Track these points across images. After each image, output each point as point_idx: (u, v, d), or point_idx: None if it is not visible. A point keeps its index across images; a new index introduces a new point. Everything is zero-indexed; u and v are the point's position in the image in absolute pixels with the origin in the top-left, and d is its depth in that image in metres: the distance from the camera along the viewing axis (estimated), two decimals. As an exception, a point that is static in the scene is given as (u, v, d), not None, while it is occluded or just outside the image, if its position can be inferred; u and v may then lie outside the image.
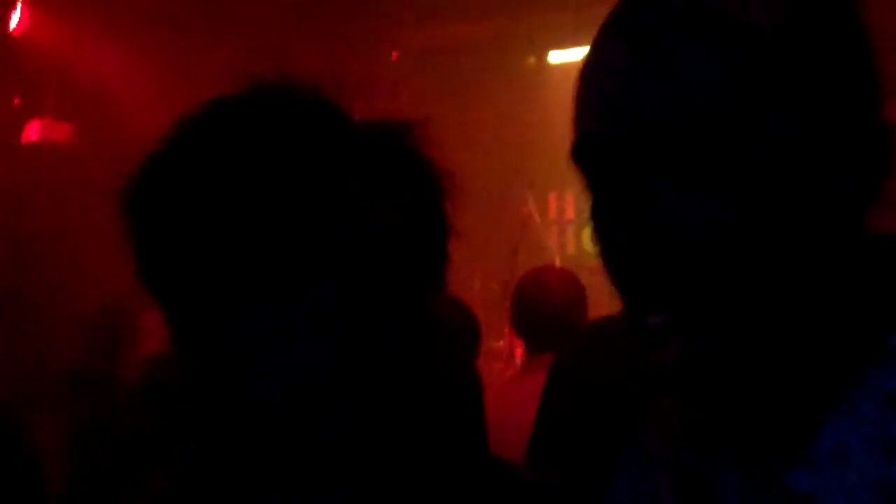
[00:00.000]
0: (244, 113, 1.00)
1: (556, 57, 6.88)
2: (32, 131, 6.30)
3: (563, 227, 7.15)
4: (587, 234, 0.86)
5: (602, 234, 0.82)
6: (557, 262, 6.21)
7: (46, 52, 6.16)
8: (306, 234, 0.93)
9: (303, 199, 0.94)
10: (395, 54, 7.20)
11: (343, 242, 0.94)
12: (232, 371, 0.95)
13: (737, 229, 0.76)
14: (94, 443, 2.36)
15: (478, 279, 6.16)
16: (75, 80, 6.37)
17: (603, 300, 0.87)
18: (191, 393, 1.03)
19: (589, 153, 0.82)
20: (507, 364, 5.07)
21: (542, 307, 3.13)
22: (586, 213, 0.86)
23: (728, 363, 0.80)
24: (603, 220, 0.82)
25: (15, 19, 5.96)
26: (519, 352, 3.35)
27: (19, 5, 5.95)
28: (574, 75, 0.84)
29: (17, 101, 6.31)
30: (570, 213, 7.24)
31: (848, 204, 0.80)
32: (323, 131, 0.98)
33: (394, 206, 0.98)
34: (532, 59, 7.14)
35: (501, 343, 5.38)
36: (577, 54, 6.00)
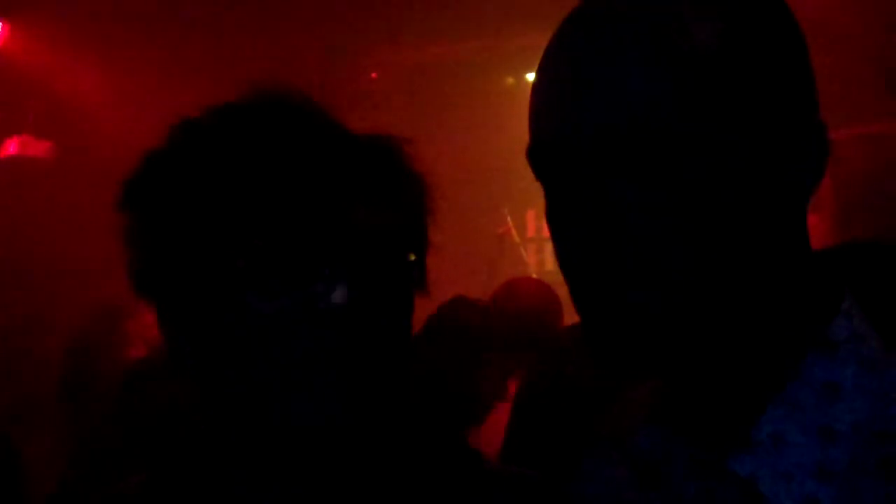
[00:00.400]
0: (247, 115, 1.02)
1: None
2: (11, 147, 6.28)
3: (541, 244, 7.18)
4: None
5: (561, 237, 0.87)
6: (531, 275, 6.25)
7: (26, 68, 6.15)
8: (307, 229, 0.96)
9: (304, 195, 0.96)
10: (374, 73, 7.22)
11: (338, 237, 0.96)
12: (231, 360, 0.97)
13: (688, 232, 0.80)
14: (82, 446, 2.37)
15: (461, 291, 6.15)
16: (55, 96, 6.36)
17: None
18: (177, 394, 1.05)
19: (543, 156, 0.87)
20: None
21: (510, 314, 3.17)
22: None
23: (680, 354, 0.85)
24: (561, 223, 0.87)
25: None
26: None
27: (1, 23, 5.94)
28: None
29: (-4, 117, 6.29)
30: (547, 231, 7.25)
31: (791, 198, 0.85)
32: (323, 134, 1.01)
33: (384, 207, 1.01)
34: (510, 80, 7.20)
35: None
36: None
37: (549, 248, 7.16)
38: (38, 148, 6.37)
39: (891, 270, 0.91)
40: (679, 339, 0.83)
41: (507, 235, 6.69)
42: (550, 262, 7.19)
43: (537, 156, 0.87)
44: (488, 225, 6.78)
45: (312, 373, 0.95)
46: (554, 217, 0.88)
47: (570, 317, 1.01)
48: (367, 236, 0.98)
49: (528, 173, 0.90)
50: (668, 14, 0.81)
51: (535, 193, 0.95)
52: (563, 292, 0.92)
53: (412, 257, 1.04)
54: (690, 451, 0.91)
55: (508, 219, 6.72)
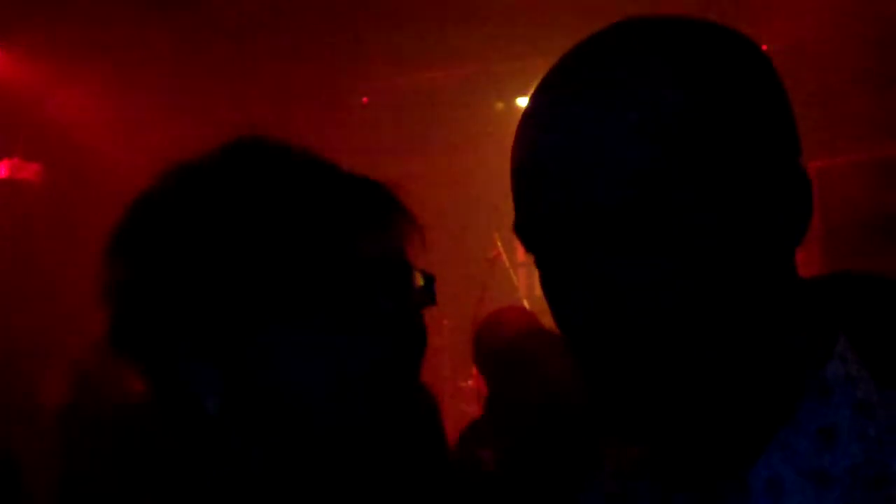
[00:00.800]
0: (241, 161, 1.02)
1: (525, 102, 6.95)
2: (1, 170, 6.27)
3: (531, 268, 7.16)
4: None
5: (557, 303, 0.86)
6: (526, 304, 6.25)
7: (16, 91, 6.15)
8: (312, 275, 0.97)
9: (311, 241, 0.98)
10: (365, 98, 7.24)
11: (340, 279, 0.98)
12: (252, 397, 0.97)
13: (683, 292, 0.81)
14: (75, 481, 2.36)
15: (447, 320, 6.17)
16: (44, 119, 6.36)
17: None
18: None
19: (530, 232, 0.87)
20: (476, 404, 5.07)
21: (496, 346, 3.18)
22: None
23: (677, 400, 0.84)
24: (555, 291, 0.86)
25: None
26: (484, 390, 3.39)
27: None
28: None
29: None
30: (538, 256, 7.25)
31: (779, 245, 0.85)
32: (316, 179, 1.02)
33: (379, 239, 1.03)
34: (500, 104, 7.22)
35: (470, 383, 5.39)
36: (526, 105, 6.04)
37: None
38: (28, 171, 6.37)
39: (884, 309, 0.90)
40: (677, 396, 0.83)
41: (498, 259, 6.70)
42: (540, 287, 7.19)
43: (525, 231, 0.87)
44: (479, 249, 6.79)
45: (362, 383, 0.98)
46: (547, 284, 0.88)
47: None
48: (362, 268, 0.99)
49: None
50: (643, 82, 0.80)
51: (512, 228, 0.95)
52: (548, 320, 0.92)
53: (420, 281, 1.07)
54: (689, 496, 0.91)
55: (499, 243, 6.73)
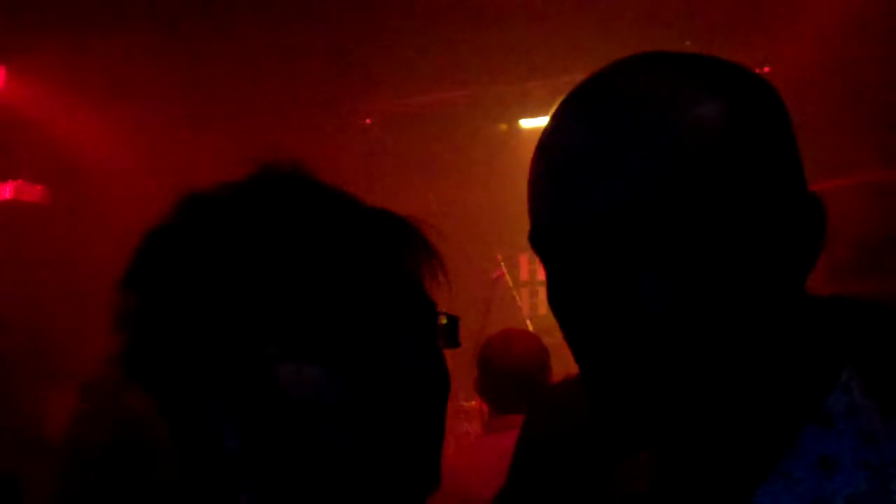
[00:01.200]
0: (260, 194, 1.01)
1: (528, 123, 6.99)
2: (7, 192, 6.29)
3: (535, 288, 7.18)
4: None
5: (567, 314, 0.87)
6: (529, 324, 6.24)
7: (21, 113, 6.18)
8: (332, 314, 0.95)
9: (310, 270, 0.95)
10: (368, 119, 7.26)
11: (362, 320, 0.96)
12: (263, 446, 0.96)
13: (693, 307, 0.81)
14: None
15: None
16: (49, 142, 6.38)
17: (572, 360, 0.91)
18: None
19: (546, 241, 0.87)
20: (478, 423, 5.06)
21: (506, 369, 3.18)
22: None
23: (682, 424, 0.85)
24: (566, 301, 0.87)
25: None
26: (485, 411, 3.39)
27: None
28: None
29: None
30: (541, 275, 7.26)
31: (791, 270, 0.86)
32: (323, 207, 1.01)
33: (404, 279, 1.01)
34: (503, 125, 7.24)
35: (473, 403, 5.37)
36: (547, 121, 6.04)
37: (542, 292, 7.13)
38: (33, 193, 6.39)
39: (889, 338, 0.90)
40: (682, 409, 0.84)
41: (501, 280, 6.70)
42: (544, 307, 7.18)
43: (540, 241, 0.88)
44: (482, 269, 6.79)
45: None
46: (558, 295, 0.88)
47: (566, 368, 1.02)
48: (395, 313, 0.98)
49: (522, 217, 0.91)
50: (664, 98, 0.83)
51: (527, 238, 0.96)
52: (557, 337, 0.92)
53: (444, 320, 1.05)
54: None
55: (502, 263, 6.72)
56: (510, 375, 3.16)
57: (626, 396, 0.84)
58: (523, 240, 0.90)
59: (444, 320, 1.05)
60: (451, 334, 1.07)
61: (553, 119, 0.89)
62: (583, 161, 0.83)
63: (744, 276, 0.82)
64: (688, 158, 0.81)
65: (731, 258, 0.82)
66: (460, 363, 4.04)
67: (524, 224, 0.91)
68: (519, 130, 7.07)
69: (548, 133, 0.89)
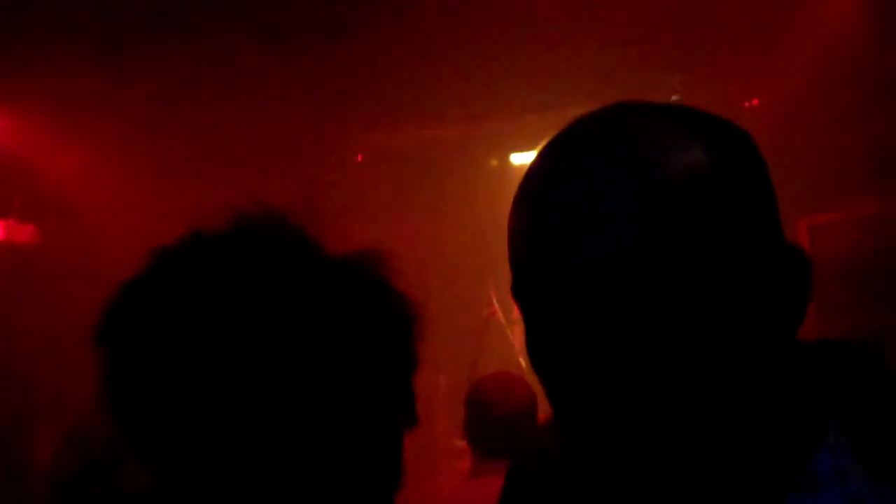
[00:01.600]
0: (226, 248, 1.00)
1: (519, 159, 7.01)
2: (-4, 232, 6.28)
3: (527, 325, 7.16)
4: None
5: (550, 361, 0.84)
6: (521, 361, 6.22)
7: (10, 153, 6.18)
8: (285, 369, 0.93)
9: (281, 333, 0.94)
10: (360, 156, 7.27)
11: (330, 381, 0.95)
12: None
13: (685, 354, 0.79)
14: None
15: (443, 379, 6.14)
16: (40, 181, 6.38)
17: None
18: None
19: (529, 286, 0.85)
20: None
21: (494, 415, 3.17)
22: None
23: (661, 484, 0.81)
24: (549, 348, 0.84)
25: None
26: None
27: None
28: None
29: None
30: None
31: (780, 321, 0.83)
32: (298, 268, 0.99)
33: (364, 334, 0.99)
34: (494, 161, 7.26)
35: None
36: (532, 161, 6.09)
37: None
38: (24, 233, 6.38)
39: (877, 396, 0.87)
40: (662, 468, 0.81)
41: (493, 317, 6.69)
42: (537, 343, 7.16)
43: (524, 284, 0.86)
44: (474, 306, 6.78)
45: None
46: (539, 339, 0.86)
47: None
48: (356, 378, 0.97)
49: (515, 255, 0.89)
50: (646, 145, 0.82)
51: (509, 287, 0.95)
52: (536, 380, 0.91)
53: (395, 382, 1.03)
54: None
55: (494, 300, 6.72)
56: (499, 421, 3.15)
57: (603, 443, 0.81)
58: (515, 277, 0.89)
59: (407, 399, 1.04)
60: (409, 413, 1.05)
61: (539, 163, 0.88)
62: (571, 205, 0.82)
63: (734, 324, 0.80)
64: (678, 202, 0.80)
65: (723, 303, 0.80)
66: (452, 401, 4.03)
67: (517, 261, 0.89)
68: (510, 166, 7.10)
69: (533, 177, 0.88)
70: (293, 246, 1.02)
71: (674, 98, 5.41)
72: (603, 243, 0.79)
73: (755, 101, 5.64)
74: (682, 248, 0.79)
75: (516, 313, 7.12)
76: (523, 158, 7.00)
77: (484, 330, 6.60)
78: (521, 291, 0.87)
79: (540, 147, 0.89)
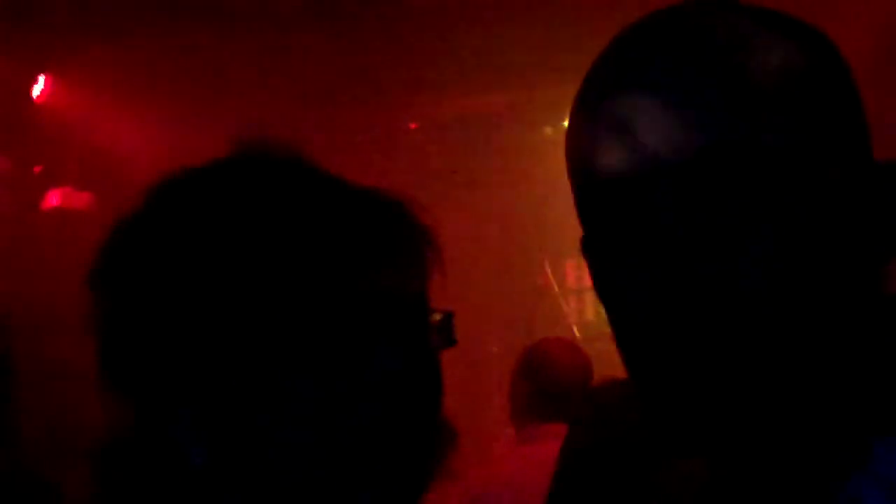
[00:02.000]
0: (228, 179, 0.94)
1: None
2: (53, 199, 6.34)
3: (582, 294, 7.12)
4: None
5: (629, 287, 0.78)
6: (575, 330, 6.20)
7: (68, 120, 6.23)
8: (315, 307, 0.88)
9: (293, 269, 0.88)
10: (413, 124, 7.24)
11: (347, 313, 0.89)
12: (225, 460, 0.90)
13: (774, 274, 0.74)
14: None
15: (496, 346, 6.13)
16: (96, 148, 6.43)
17: (619, 367, 0.85)
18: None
19: (603, 197, 0.79)
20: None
21: (549, 378, 3.16)
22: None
23: (744, 434, 0.77)
24: (629, 271, 0.78)
25: (38, 88, 6.04)
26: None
27: (42, 74, 6.02)
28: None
29: (37, 169, 6.35)
30: (587, 281, 7.18)
31: (879, 238, 0.78)
32: (310, 194, 0.93)
33: (391, 268, 0.93)
34: (548, 129, 7.19)
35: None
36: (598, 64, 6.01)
37: (589, 298, 7.11)
38: (80, 200, 6.43)
39: None
40: (745, 412, 0.76)
41: (546, 286, 6.65)
42: (591, 313, 7.14)
43: (594, 197, 0.80)
44: (527, 276, 6.75)
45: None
46: (605, 270, 0.81)
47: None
48: (377, 305, 0.90)
49: (568, 223, 0.85)
50: (735, 42, 0.77)
51: (573, 244, 0.90)
52: (604, 344, 0.87)
53: (437, 317, 0.97)
54: None
55: (547, 269, 6.68)
56: (556, 385, 3.13)
57: (685, 394, 0.76)
58: (569, 246, 0.85)
59: (437, 317, 0.97)
60: (446, 332, 0.98)
61: (608, 62, 0.82)
62: (653, 101, 0.76)
63: (828, 233, 0.75)
64: (772, 102, 0.75)
65: (818, 212, 0.75)
66: (505, 372, 4.02)
67: (570, 230, 0.86)
68: (564, 134, 7.01)
69: (601, 77, 0.81)
70: (301, 170, 0.96)
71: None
72: (691, 144, 0.74)
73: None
74: (779, 150, 0.74)
75: (570, 282, 7.10)
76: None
77: (537, 300, 6.56)
78: (594, 203, 0.80)
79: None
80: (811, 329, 0.75)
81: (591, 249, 0.84)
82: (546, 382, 3.19)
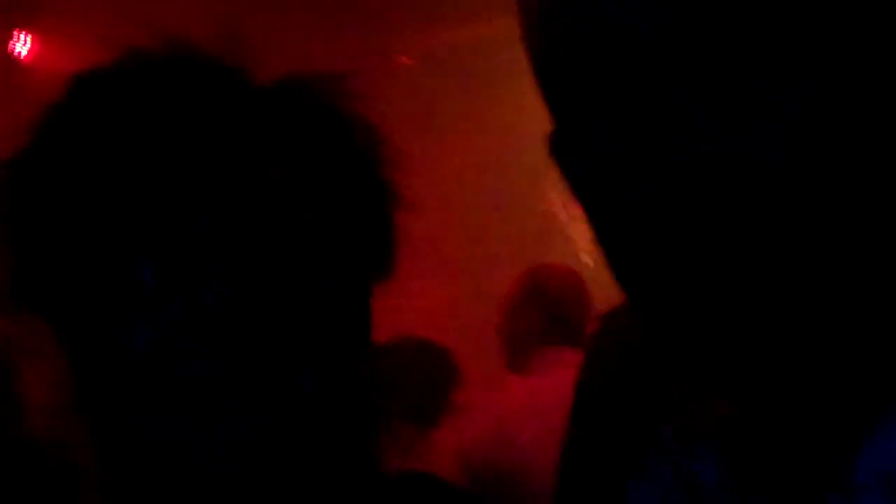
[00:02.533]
0: (116, 87, 0.90)
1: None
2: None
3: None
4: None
5: (605, 193, 0.70)
6: (583, 258, 6.16)
7: (55, 81, 6.15)
8: (186, 224, 0.80)
9: (186, 182, 0.81)
10: (407, 58, 7.15)
11: (233, 232, 0.81)
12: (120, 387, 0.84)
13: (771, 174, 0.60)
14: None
15: (503, 276, 6.11)
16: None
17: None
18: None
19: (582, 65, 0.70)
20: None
21: (554, 302, 3.15)
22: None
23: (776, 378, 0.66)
24: (602, 158, 0.69)
25: (24, 48, 5.95)
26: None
27: (27, 35, 5.93)
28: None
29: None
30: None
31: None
32: (209, 97, 0.87)
33: (310, 182, 0.85)
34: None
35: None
36: None
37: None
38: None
39: None
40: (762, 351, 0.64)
41: (554, 214, 6.60)
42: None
43: (566, 67, 0.71)
44: (531, 203, 6.68)
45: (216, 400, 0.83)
46: (597, 168, 0.71)
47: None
48: (299, 228, 0.83)
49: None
50: None
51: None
52: (603, 276, 0.79)
53: (364, 242, 0.89)
54: (755, 497, 0.72)
55: (554, 196, 6.62)
56: (549, 307, 3.12)
57: (689, 312, 0.65)
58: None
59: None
60: (380, 261, 0.91)
61: None
62: None
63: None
64: None
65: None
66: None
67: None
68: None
69: None
70: (198, 70, 0.91)
71: None
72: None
73: None
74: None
75: (578, 209, 7.07)
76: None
77: (542, 227, 6.52)
78: (567, 104, 0.73)
79: None
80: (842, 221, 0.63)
81: (565, 145, 0.74)
82: (554, 307, 3.17)
